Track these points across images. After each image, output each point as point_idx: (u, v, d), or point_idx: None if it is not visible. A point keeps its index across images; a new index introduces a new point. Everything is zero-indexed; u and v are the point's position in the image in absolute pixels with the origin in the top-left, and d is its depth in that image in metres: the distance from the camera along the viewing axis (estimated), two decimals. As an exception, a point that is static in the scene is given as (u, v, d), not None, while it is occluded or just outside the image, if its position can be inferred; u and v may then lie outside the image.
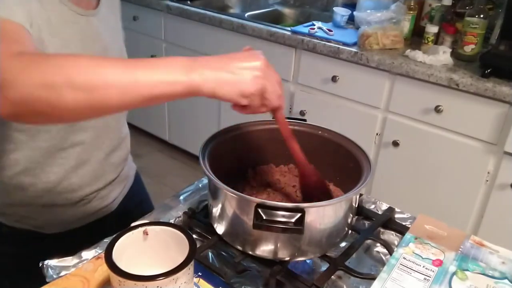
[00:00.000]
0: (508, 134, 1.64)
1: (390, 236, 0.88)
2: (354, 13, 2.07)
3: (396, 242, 0.86)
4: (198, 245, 0.71)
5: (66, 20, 0.82)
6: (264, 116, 0.95)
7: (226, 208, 0.75)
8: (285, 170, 0.94)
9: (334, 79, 2.01)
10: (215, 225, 0.80)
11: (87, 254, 0.79)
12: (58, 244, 0.86)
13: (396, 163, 1.96)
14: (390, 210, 0.93)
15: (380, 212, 0.93)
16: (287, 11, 2.66)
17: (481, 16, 1.77)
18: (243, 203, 0.72)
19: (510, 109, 1.63)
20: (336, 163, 0.88)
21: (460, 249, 0.76)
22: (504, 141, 1.66)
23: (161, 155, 3.01)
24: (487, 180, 1.76)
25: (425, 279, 0.69)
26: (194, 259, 0.64)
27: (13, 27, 0.67)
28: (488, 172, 1.74)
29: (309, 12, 2.57)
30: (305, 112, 2.17)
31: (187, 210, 0.89)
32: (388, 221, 0.89)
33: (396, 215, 0.92)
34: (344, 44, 1.97)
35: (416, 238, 0.78)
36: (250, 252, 0.75)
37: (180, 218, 0.88)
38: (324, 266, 0.79)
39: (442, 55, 1.79)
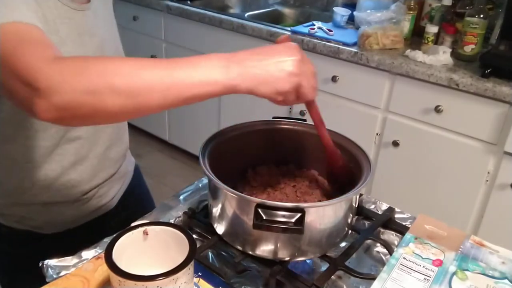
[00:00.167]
0: (508, 134, 1.64)
1: (390, 236, 0.88)
2: (354, 13, 2.07)
3: (396, 242, 0.86)
4: (198, 245, 0.71)
5: (62, 16, 0.81)
6: (264, 116, 0.96)
7: (226, 208, 0.75)
8: (285, 170, 0.94)
9: (334, 79, 2.01)
10: (215, 225, 0.80)
11: (87, 254, 0.79)
12: (58, 243, 0.86)
13: (396, 163, 1.96)
14: (390, 210, 0.93)
15: (380, 212, 0.93)
16: (287, 11, 2.66)
17: (481, 16, 1.77)
18: (243, 203, 0.72)
19: (510, 109, 1.63)
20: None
21: (460, 249, 0.76)
22: (504, 141, 1.66)
23: (161, 155, 3.01)
24: (487, 180, 1.76)
25: (425, 279, 0.69)
26: (194, 259, 0.64)
27: (36, 31, 0.66)
28: (488, 172, 1.74)
29: (309, 12, 2.57)
30: (305, 112, 2.16)
31: (187, 210, 0.89)
32: (388, 221, 0.89)
33: (396, 215, 0.92)
34: (344, 44, 1.97)
35: (416, 238, 0.78)
36: (250, 252, 0.75)
37: (180, 218, 0.88)
38: (324, 266, 0.79)
39: (442, 55, 1.79)
